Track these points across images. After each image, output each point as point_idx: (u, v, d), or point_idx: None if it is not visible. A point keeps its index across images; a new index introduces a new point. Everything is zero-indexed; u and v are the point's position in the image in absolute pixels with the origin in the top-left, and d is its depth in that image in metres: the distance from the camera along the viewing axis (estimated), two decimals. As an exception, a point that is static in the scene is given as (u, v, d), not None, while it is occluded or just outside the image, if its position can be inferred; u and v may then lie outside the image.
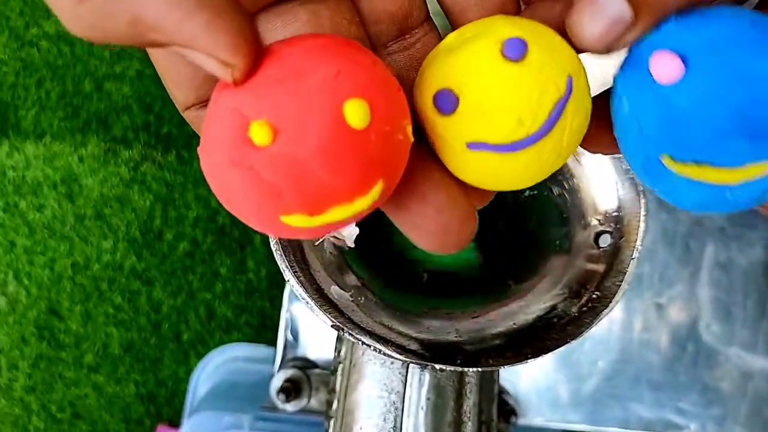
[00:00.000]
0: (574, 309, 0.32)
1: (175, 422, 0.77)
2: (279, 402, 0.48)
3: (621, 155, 0.18)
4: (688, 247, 0.55)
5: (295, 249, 0.31)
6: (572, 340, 0.31)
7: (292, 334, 0.52)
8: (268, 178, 0.15)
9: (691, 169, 0.16)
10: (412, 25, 0.20)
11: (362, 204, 0.15)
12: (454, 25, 0.20)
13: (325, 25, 0.18)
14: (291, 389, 0.48)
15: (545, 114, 0.16)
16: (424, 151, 0.18)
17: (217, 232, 0.79)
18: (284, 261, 0.30)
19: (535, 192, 0.37)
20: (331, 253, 0.33)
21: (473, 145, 0.17)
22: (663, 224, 0.55)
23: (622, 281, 0.31)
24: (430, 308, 0.35)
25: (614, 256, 0.32)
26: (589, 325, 0.31)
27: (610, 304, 0.31)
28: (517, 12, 0.19)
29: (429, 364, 0.30)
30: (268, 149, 0.14)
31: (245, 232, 0.80)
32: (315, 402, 0.49)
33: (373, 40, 0.20)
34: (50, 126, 0.82)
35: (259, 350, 0.78)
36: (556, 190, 0.35)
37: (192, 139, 0.82)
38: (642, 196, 0.31)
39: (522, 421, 0.52)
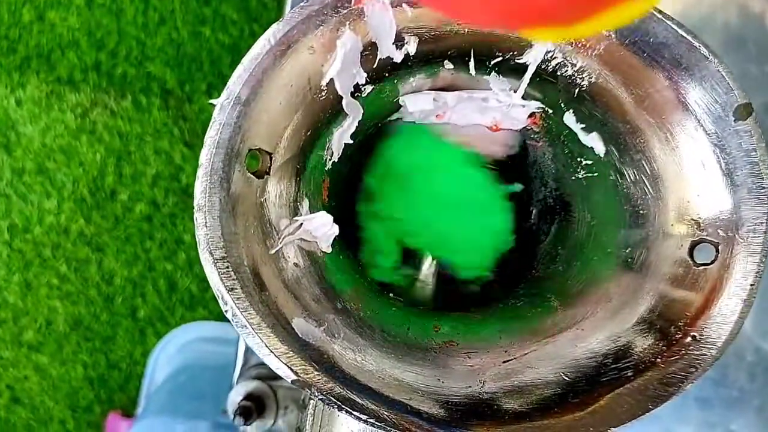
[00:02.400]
0: (658, 358, 0.22)
1: (129, 411, 0.68)
2: (238, 424, 0.38)
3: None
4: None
5: (239, 264, 0.20)
6: (655, 406, 0.21)
7: (257, 334, 0.42)
8: None
9: None
10: None
11: None
12: None
13: None
14: (252, 408, 0.38)
15: None
16: None
17: (180, 192, 0.69)
18: (221, 282, 0.19)
19: (596, 173, 0.26)
20: (296, 265, 0.22)
21: None
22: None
23: (736, 317, 0.21)
24: (442, 343, 0.24)
25: (720, 279, 0.21)
26: (682, 383, 0.21)
27: (713, 353, 0.21)
28: None
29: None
30: None
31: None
32: (283, 424, 0.39)
33: None
34: (-19, 63, 0.70)
35: (227, 329, 0.68)
36: (630, 174, 0.24)
37: (151, 81, 0.70)
38: (764, 187, 0.21)
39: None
